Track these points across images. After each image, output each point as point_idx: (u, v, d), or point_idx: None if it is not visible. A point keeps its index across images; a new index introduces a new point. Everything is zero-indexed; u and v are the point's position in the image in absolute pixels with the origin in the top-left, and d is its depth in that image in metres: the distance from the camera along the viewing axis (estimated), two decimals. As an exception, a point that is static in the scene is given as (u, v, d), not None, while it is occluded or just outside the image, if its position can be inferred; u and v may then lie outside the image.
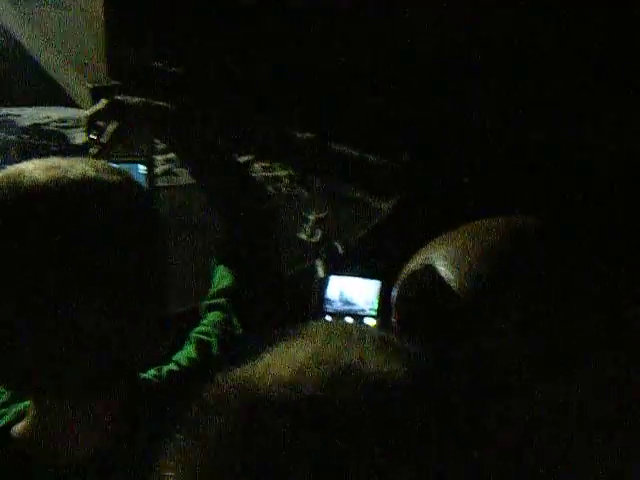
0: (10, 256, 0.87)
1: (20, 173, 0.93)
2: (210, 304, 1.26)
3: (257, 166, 5.35)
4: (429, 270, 0.83)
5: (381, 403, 0.65)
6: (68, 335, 0.86)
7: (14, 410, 1.03)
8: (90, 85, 6.13)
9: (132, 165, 1.30)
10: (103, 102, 1.30)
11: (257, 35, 6.16)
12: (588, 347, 0.77)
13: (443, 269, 0.82)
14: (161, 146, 5.48)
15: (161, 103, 1.32)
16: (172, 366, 1.13)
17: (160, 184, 5.10)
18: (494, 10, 5.12)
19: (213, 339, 1.19)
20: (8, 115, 6.08)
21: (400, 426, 0.65)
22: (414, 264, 0.87)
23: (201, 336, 1.20)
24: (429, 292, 0.83)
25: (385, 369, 0.68)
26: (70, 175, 0.92)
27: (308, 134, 5.67)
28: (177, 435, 0.67)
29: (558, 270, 0.80)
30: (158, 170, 5.32)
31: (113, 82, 6.37)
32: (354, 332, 0.71)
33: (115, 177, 0.95)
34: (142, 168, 1.32)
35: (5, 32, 8.42)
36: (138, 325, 0.93)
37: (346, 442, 0.62)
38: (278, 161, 5.43)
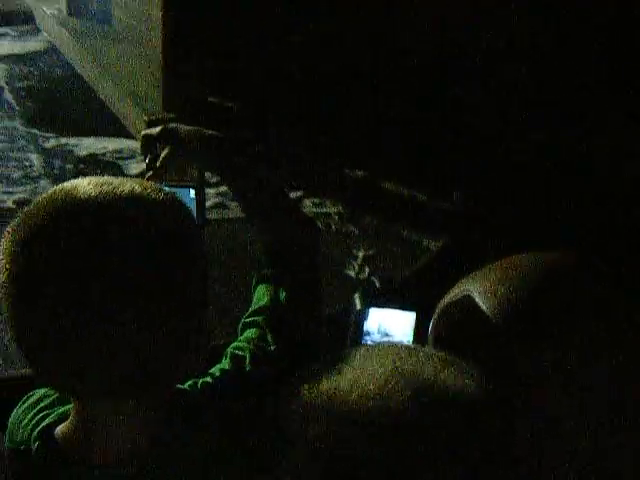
0: (59, 263, 0.92)
1: (75, 186, 0.98)
2: (247, 322, 1.28)
3: (308, 202, 5.37)
4: (466, 300, 0.85)
5: (460, 415, 0.67)
6: (108, 343, 0.90)
7: (58, 412, 1.06)
8: (146, 117, 6.24)
9: (183, 190, 1.32)
10: (158, 127, 1.33)
11: (311, 78, 6.24)
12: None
13: (479, 299, 0.84)
14: (214, 179, 5.55)
15: (213, 132, 1.35)
16: (207, 379, 1.16)
17: (211, 217, 5.16)
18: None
19: (247, 354, 1.21)
20: (66, 145, 6.20)
21: (476, 437, 0.67)
22: (451, 295, 0.89)
23: (236, 351, 1.21)
24: (466, 321, 0.85)
25: (459, 383, 0.70)
26: (119, 191, 0.96)
27: (359, 172, 5.70)
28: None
29: (585, 302, 0.82)
30: (209, 202, 5.38)
31: (169, 115, 6.47)
32: (420, 351, 0.74)
33: (162, 197, 0.98)
34: (192, 193, 1.34)
35: (67, 64, 8.62)
36: (173, 339, 0.96)
37: (429, 451, 0.65)
38: (329, 198, 5.45)
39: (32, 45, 9.49)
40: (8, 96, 7.62)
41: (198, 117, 6.18)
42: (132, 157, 5.96)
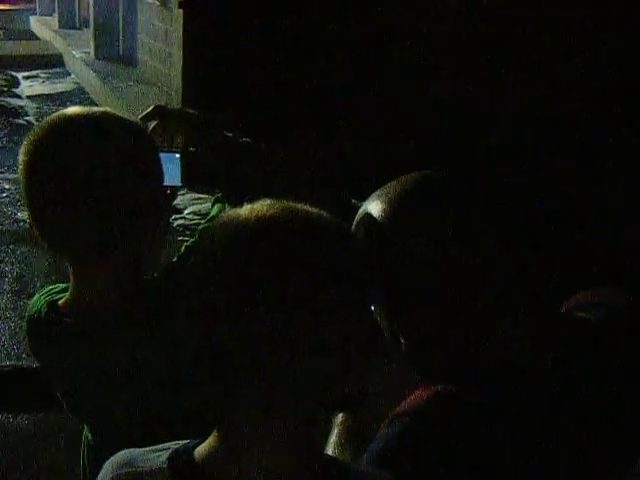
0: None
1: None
2: (201, 228, 1.55)
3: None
4: (366, 216, 1.21)
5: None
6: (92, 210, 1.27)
7: (62, 287, 1.42)
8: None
9: (170, 154, 1.63)
10: (150, 107, 1.66)
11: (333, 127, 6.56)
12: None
13: (374, 211, 1.19)
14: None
15: (194, 112, 1.68)
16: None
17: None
18: None
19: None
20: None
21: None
22: (356, 217, 1.24)
23: (190, 244, 1.50)
24: (367, 233, 1.20)
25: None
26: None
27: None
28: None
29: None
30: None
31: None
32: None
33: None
34: (177, 157, 1.65)
35: (93, 104, 9.06)
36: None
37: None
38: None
39: (61, 86, 9.99)
40: (37, 132, 8.04)
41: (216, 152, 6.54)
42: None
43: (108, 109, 1.38)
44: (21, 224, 5.79)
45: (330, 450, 1.39)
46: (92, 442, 1.48)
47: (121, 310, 1.33)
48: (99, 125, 1.32)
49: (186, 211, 5.91)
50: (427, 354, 1.27)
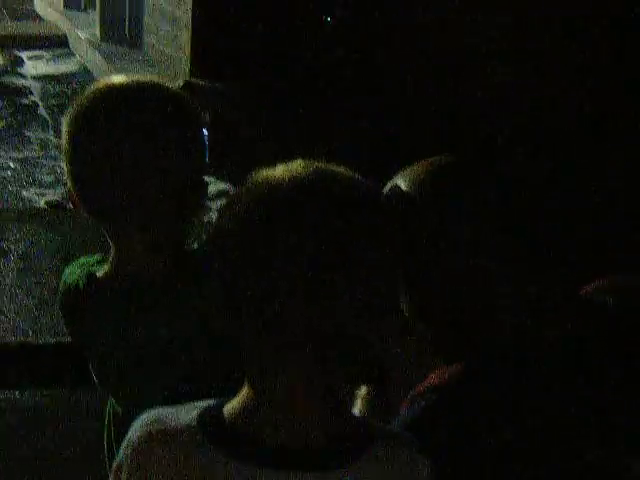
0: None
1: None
2: None
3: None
4: (395, 189, 1.22)
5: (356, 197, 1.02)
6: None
7: (97, 258, 1.43)
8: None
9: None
10: (181, 81, 1.67)
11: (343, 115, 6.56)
12: None
13: (403, 185, 1.21)
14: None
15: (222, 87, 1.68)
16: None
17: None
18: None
19: None
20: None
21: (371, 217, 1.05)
22: (385, 189, 1.25)
23: None
24: (396, 204, 1.21)
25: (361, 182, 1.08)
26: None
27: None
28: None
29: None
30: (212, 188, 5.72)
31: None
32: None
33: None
34: (205, 132, 1.67)
35: (97, 84, 9.04)
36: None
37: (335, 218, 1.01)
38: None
39: (65, 67, 9.95)
40: (42, 111, 8.06)
41: (221, 134, 6.54)
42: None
43: (155, 79, 1.39)
44: (26, 202, 5.80)
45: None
46: (120, 414, 1.48)
47: (161, 282, 1.34)
48: (146, 98, 1.33)
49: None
50: (451, 335, 1.29)
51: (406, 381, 1.33)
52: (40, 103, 8.33)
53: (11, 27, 11.98)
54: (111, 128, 1.28)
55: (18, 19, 13.25)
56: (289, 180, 1.05)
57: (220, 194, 5.93)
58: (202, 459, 1.06)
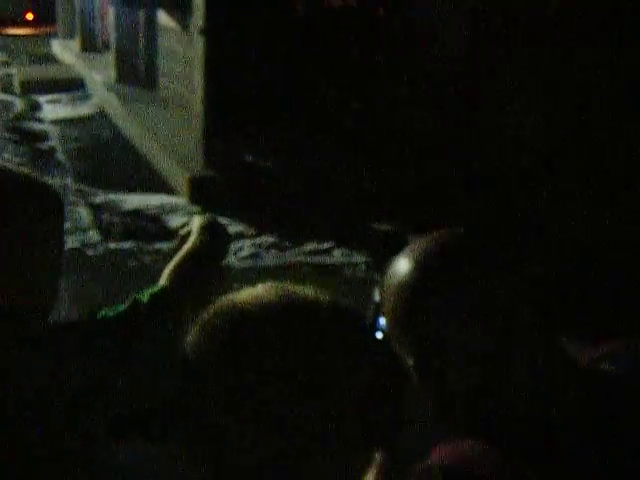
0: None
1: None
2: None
3: (337, 252, 5.71)
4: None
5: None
6: None
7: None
8: (188, 175, 6.66)
9: None
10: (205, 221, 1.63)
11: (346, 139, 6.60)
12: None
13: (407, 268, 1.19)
14: (250, 231, 5.88)
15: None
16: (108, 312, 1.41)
17: (246, 265, 5.53)
18: None
19: (145, 297, 1.44)
20: (114, 200, 6.63)
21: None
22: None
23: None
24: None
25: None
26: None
27: (387, 225, 6.03)
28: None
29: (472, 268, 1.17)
30: (245, 252, 5.74)
31: (210, 173, 6.87)
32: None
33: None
34: None
35: (115, 127, 9.14)
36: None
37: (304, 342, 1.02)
38: (357, 249, 5.77)
39: (83, 109, 10.07)
40: (61, 156, 8.15)
41: (236, 175, 6.60)
42: (173, 211, 6.36)
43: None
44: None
45: None
46: None
47: None
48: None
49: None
50: (459, 409, 1.28)
51: (417, 445, 1.33)
52: (58, 148, 8.42)
53: (29, 71, 12.16)
54: None
55: (35, 62, 13.46)
56: (255, 304, 1.07)
57: (237, 236, 5.98)
58: None
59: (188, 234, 1.57)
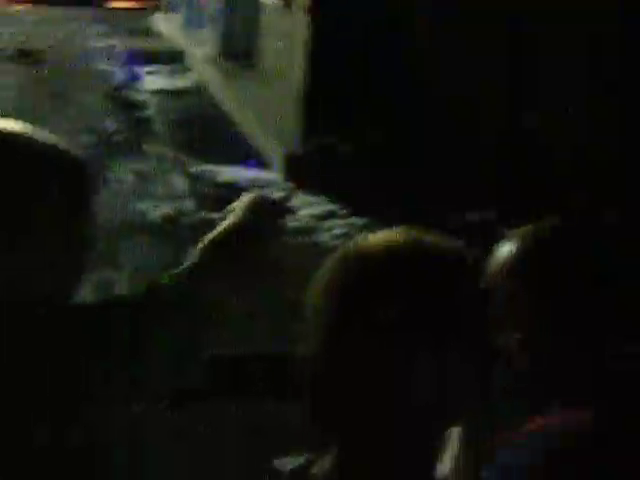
0: None
1: None
2: None
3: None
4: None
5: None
6: None
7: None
8: (284, 152, 6.70)
9: None
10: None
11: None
12: None
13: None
14: (343, 211, 5.89)
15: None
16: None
17: (337, 243, 5.53)
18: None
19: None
20: (209, 171, 6.71)
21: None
22: None
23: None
24: None
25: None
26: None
27: (480, 215, 5.95)
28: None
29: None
30: (337, 231, 5.76)
31: (306, 151, 6.90)
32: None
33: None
34: None
35: (213, 100, 9.25)
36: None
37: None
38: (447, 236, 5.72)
39: (182, 82, 10.22)
40: (158, 126, 8.29)
41: (332, 155, 6.60)
42: (268, 186, 6.40)
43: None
44: (142, 216, 5.95)
45: (449, 463, 1.40)
46: None
47: None
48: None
49: (301, 213, 5.95)
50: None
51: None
52: (157, 117, 8.56)
53: (130, 43, 12.39)
54: None
55: (137, 35, 13.71)
56: (384, 249, 1.07)
57: (329, 214, 5.99)
58: None
59: (232, 211, 1.51)
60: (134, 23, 15.05)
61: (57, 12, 16.20)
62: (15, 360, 1.28)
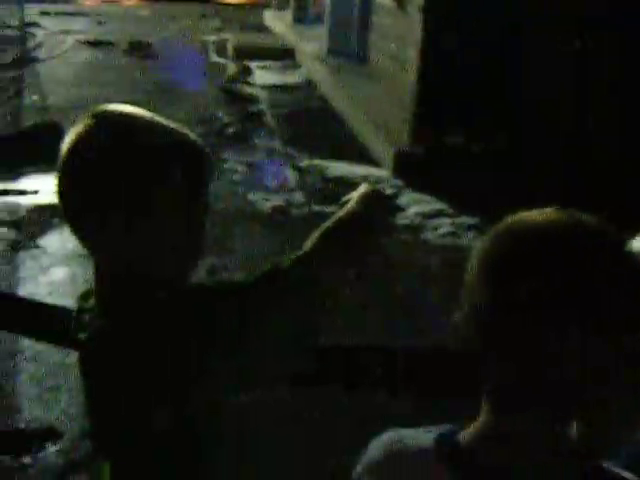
0: None
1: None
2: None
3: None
4: None
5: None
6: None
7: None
8: (394, 149, 6.73)
9: None
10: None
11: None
12: None
13: None
14: (450, 210, 5.87)
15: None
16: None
17: (442, 242, 5.55)
18: None
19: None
20: (318, 165, 6.79)
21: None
22: None
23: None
24: None
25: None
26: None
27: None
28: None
29: None
30: (444, 230, 5.77)
31: (416, 150, 6.92)
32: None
33: None
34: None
35: (322, 97, 9.35)
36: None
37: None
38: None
39: (292, 78, 10.37)
40: (269, 119, 8.44)
41: (442, 154, 6.62)
42: (377, 182, 6.45)
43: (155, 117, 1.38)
44: (252, 206, 6.08)
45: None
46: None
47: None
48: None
49: (409, 210, 5.99)
50: None
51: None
52: (267, 111, 8.72)
53: (242, 38, 12.61)
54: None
55: (248, 31, 13.94)
56: (544, 222, 1.09)
57: (436, 213, 6.00)
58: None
59: (347, 202, 1.53)
60: (245, 19, 15.31)
61: (170, 8, 16.60)
62: (136, 343, 1.31)
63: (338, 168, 6.88)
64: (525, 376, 1.06)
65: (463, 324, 1.12)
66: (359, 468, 1.20)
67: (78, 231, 1.35)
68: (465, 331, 1.11)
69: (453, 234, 5.73)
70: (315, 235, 1.46)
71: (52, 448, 3.04)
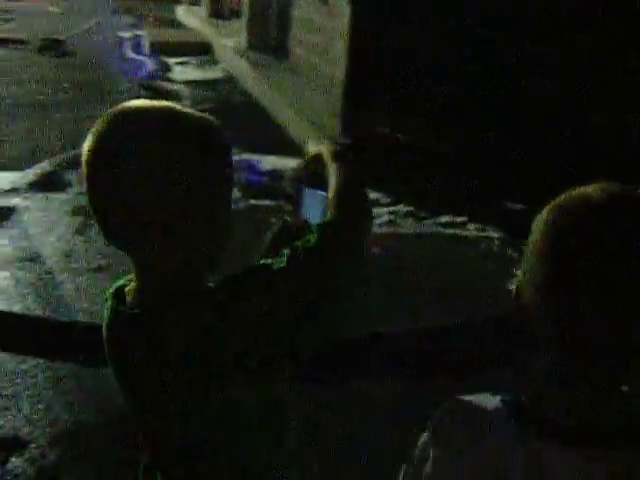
0: None
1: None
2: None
3: (471, 226, 5.75)
4: None
5: None
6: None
7: (119, 282, 1.35)
8: (324, 141, 6.76)
9: (314, 191, 1.51)
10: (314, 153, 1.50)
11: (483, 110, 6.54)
12: None
13: None
14: (386, 200, 5.96)
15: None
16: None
17: (381, 231, 5.62)
18: None
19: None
20: (250, 160, 6.78)
21: None
22: None
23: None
24: None
25: None
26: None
27: (519, 205, 6.03)
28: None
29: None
30: (382, 219, 5.83)
31: (344, 141, 6.96)
32: None
33: None
34: (322, 194, 1.47)
35: (244, 91, 9.33)
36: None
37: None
38: (491, 224, 5.81)
39: (212, 73, 10.31)
40: (195, 115, 8.36)
41: (371, 145, 6.67)
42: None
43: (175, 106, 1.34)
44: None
45: None
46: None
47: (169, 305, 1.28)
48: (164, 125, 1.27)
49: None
50: None
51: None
52: (192, 107, 8.62)
53: (158, 34, 12.46)
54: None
55: (162, 26, 13.78)
56: (606, 197, 1.11)
57: (374, 203, 6.05)
58: (507, 438, 1.15)
59: (311, 162, 1.50)
60: (158, 14, 15.14)
61: (79, 3, 16.28)
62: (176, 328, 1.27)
63: (270, 162, 6.88)
64: (579, 344, 1.10)
65: (523, 292, 1.15)
66: (424, 437, 1.22)
67: (122, 242, 1.29)
68: (526, 299, 1.14)
69: (391, 223, 5.80)
70: (331, 198, 1.40)
71: (20, 458, 2.98)
